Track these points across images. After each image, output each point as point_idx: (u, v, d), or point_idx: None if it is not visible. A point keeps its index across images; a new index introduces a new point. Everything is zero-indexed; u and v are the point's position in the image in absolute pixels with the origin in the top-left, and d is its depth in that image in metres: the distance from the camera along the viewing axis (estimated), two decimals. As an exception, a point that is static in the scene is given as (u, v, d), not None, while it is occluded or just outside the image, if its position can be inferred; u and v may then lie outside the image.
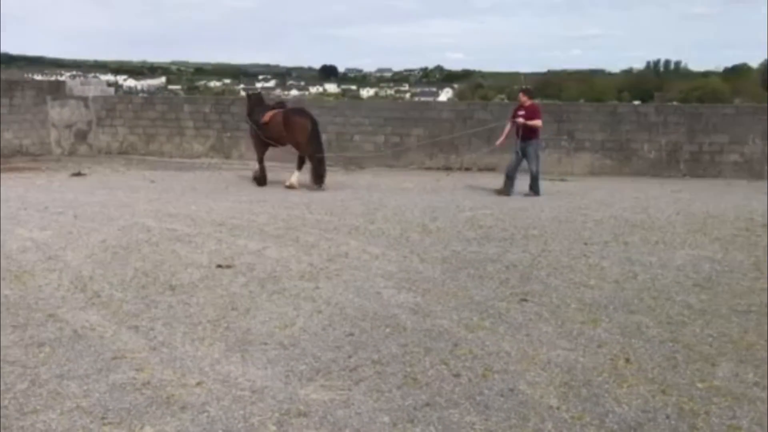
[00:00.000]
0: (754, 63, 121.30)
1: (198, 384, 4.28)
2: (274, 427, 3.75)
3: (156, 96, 33.56)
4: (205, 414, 3.90)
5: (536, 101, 13.21)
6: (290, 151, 13.33)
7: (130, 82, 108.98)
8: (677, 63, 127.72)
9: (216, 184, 13.28)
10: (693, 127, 15.64)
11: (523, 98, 12.37)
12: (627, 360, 4.69)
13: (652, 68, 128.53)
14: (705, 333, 5.20)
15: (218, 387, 4.24)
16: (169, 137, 18.77)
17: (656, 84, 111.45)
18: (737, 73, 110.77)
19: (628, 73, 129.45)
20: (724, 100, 64.47)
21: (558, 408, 3.99)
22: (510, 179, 12.28)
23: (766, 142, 15.18)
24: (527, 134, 12.13)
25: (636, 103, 31.09)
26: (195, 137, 18.58)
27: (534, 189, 12.23)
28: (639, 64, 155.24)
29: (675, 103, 45.52)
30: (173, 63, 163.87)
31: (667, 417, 3.89)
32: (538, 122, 12.15)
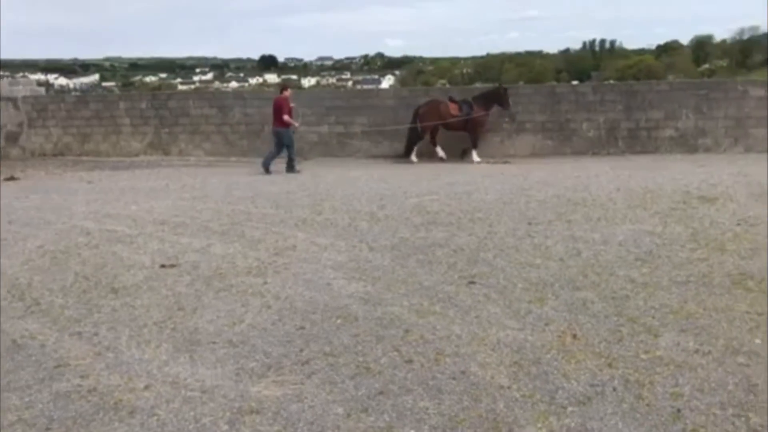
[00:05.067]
0: (685, 40, 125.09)
1: (146, 387, 4.19)
2: (226, 427, 3.70)
3: (89, 94, 32.54)
4: (155, 417, 3.82)
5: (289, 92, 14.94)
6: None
7: (62, 81, 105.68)
8: (612, 42, 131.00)
9: (156, 181, 12.98)
10: (629, 105, 16.00)
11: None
12: (574, 336, 4.78)
13: (589, 48, 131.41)
14: (648, 305, 5.35)
15: (167, 389, 4.16)
16: (105, 136, 18.24)
17: (593, 63, 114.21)
18: (669, 50, 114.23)
19: (565, 53, 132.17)
20: (658, 77, 66.59)
21: (509, 387, 4.05)
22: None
23: (698, 117, 15.66)
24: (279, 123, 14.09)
25: (574, 83, 31.67)
26: (132, 135, 18.10)
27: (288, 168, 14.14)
28: (576, 45, 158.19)
29: (611, 81, 46.63)
30: (106, 59, 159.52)
31: (614, 389, 3.99)
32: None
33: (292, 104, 14.50)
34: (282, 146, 14.17)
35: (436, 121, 15.18)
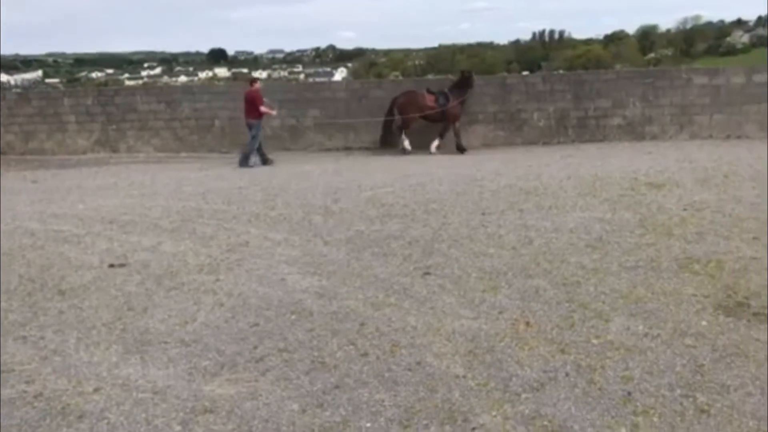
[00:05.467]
0: (631, 29, 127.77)
1: (95, 390, 4.09)
2: (179, 427, 3.64)
3: (32, 91, 31.54)
4: (105, 421, 3.74)
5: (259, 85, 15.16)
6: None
7: (2, 77, 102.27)
8: (561, 32, 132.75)
9: (104, 179, 12.67)
10: (578, 94, 16.23)
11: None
12: (527, 323, 4.84)
13: (538, 39, 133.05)
14: (598, 291, 5.44)
15: (117, 392, 4.06)
16: (49, 134, 17.70)
17: (543, 54, 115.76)
18: (616, 39, 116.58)
19: (515, 44, 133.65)
20: (605, 66, 67.83)
21: (464, 376, 4.07)
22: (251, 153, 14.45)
23: (645, 105, 16.00)
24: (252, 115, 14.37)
25: (524, 73, 32.01)
26: (78, 132, 17.60)
27: (243, 162, 14.25)
28: (526, 36, 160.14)
29: (561, 71, 47.31)
30: (49, 55, 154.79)
31: (567, 375, 4.05)
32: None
33: (264, 99, 14.68)
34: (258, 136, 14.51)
35: (414, 111, 15.13)
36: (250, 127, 14.42)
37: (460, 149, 15.24)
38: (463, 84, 15.57)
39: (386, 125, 15.54)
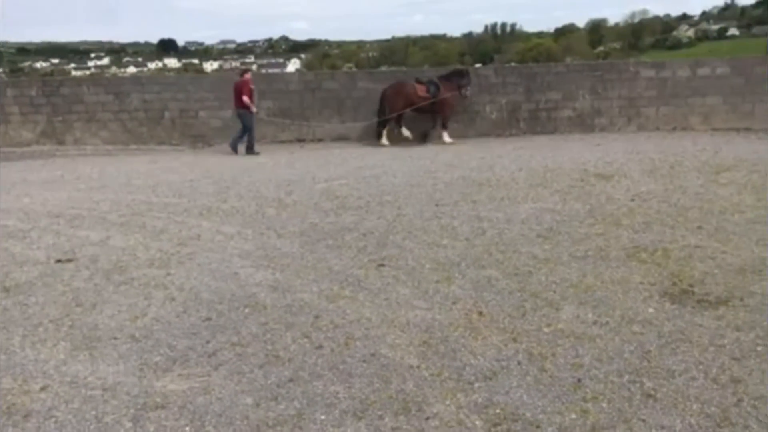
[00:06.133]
0: (581, 23, 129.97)
1: (42, 389, 3.99)
2: (129, 424, 3.57)
3: (-27, 81, 30.40)
4: (53, 420, 3.65)
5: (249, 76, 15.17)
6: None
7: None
8: (513, 25, 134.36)
9: (50, 172, 12.32)
10: (530, 87, 16.42)
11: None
12: (480, 313, 4.89)
13: (491, 32, 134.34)
14: (549, 280, 5.54)
15: (66, 389, 3.97)
16: (-9, 125, 17.09)
17: (495, 46, 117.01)
18: (566, 33, 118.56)
19: (468, 37, 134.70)
20: (556, 59, 68.89)
21: (418, 367, 4.10)
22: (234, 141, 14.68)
23: (594, 98, 16.30)
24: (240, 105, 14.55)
25: (477, 66, 32.24)
26: (22, 124, 17.04)
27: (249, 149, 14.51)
28: (478, 28, 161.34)
29: (512, 64, 47.87)
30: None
31: (519, 363, 4.11)
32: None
33: (252, 86, 14.71)
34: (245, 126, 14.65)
35: (403, 102, 14.93)
36: (239, 116, 14.59)
37: (424, 137, 15.23)
38: (459, 76, 15.41)
39: (380, 119, 15.25)
